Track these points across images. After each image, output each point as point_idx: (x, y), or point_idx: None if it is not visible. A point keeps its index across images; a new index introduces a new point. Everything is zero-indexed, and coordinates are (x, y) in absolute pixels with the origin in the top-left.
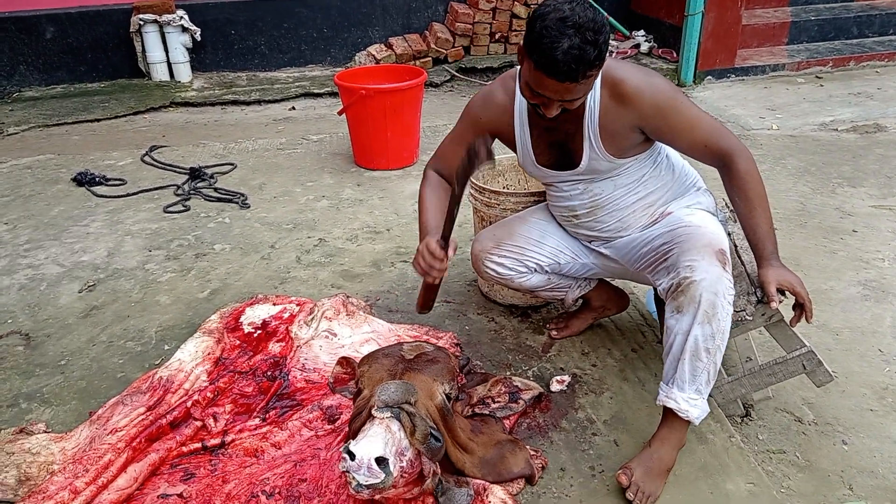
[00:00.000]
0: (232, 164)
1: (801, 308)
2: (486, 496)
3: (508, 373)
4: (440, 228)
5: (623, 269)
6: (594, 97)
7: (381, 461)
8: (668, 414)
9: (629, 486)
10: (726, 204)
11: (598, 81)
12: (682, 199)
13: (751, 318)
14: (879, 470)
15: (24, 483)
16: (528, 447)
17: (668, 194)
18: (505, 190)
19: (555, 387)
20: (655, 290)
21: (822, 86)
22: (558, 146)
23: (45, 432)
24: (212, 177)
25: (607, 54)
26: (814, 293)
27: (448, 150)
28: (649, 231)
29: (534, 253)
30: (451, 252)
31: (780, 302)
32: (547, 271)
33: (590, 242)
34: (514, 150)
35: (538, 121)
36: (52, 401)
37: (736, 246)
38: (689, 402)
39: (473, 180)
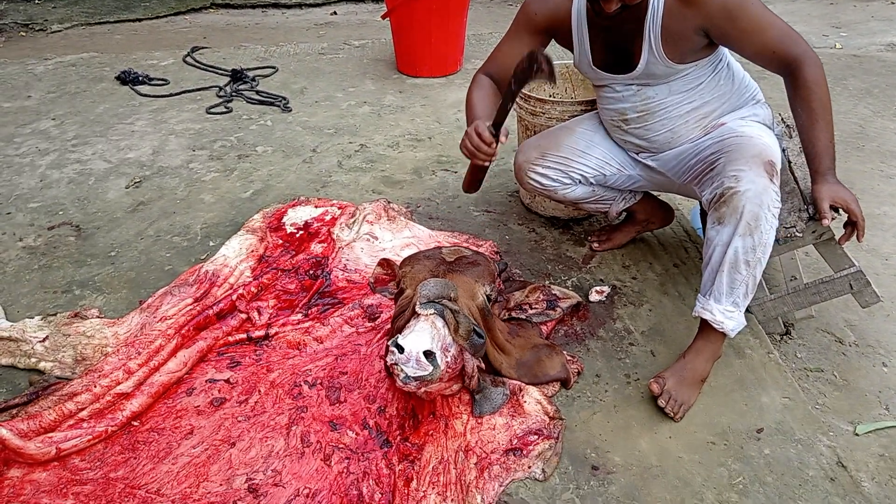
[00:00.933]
0: (273, 68)
1: (852, 226)
2: (522, 396)
3: (548, 282)
4: (491, 116)
5: (670, 183)
6: None
7: (429, 354)
8: (704, 326)
9: (661, 394)
10: (783, 119)
11: None
12: (739, 111)
13: (800, 235)
14: None
15: (80, 363)
16: (564, 352)
17: (724, 105)
18: (551, 98)
19: (594, 297)
20: (701, 204)
21: (893, 3)
22: (616, 47)
23: (99, 317)
24: (253, 79)
25: None
26: (867, 217)
27: (501, 53)
28: (700, 142)
29: (579, 164)
30: (502, 138)
31: (833, 219)
32: (592, 183)
33: (637, 154)
34: (571, 49)
35: (597, 20)
36: (103, 289)
37: (790, 162)
38: (725, 314)
39: None
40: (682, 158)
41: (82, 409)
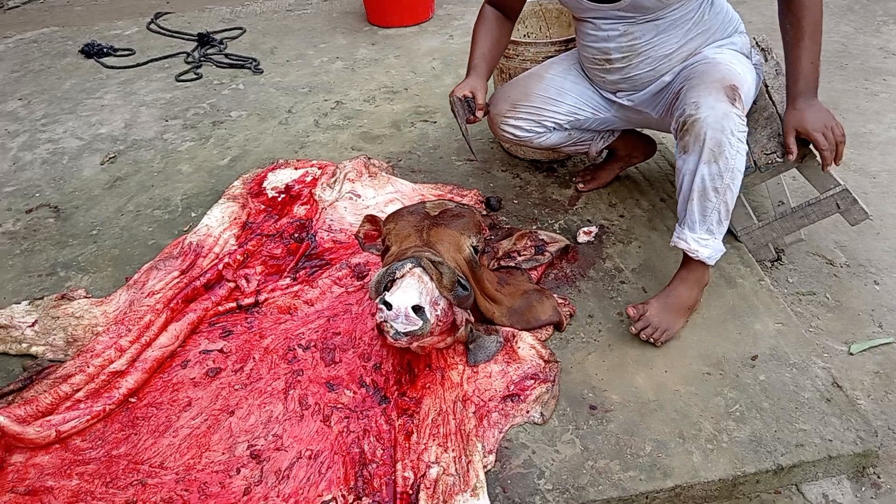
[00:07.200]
0: (241, 29)
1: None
2: (516, 342)
3: (535, 227)
4: (486, 64)
5: (647, 119)
6: None
7: (418, 309)
8: (686, 255)
9: (638, 320)
10: (757, 42)
11: None
12: (719, 41)
13: (781, 160)
14: None
15: (72, 344)
16: (555, 296)
17: (708, 40)
18: (525, 39)
19: (582, 238)
20: None
21: None
22: None
23: (86, 297)
24: (221, 42)
25: None
26: (852, 136)
27: None
28: (675, 74)
29: (551, 112)
30: (479, 114)
31: (799, 154)
32: (566, 128)
33: (615, 94)
34: None
35: None
36: (88, 268)
37: (767, 85)
38: (700, 242)
39: None
40: (658, 93)
41: (78, 390)
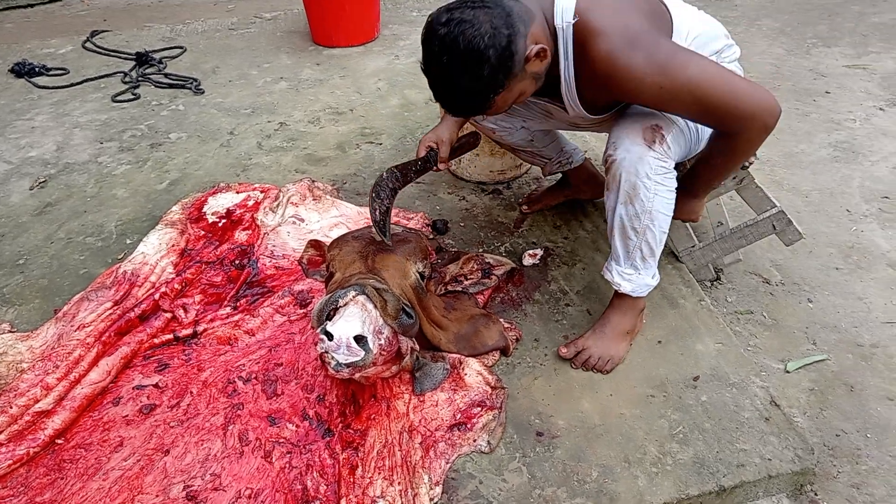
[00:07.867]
0: (181, 48)
1: None
2: (463, 369)
3: (481, 250)
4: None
5: None
6: (567, 65)
7: (360, 339)
8: None
9: (573, 357)
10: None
11: (569, 42)
12: None
13: (721, 183)
14: (842, 325)
15: None
16: (501, 320)
17: None
18: None
19: (527, 261)
20: None
21: None
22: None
23: (11, 332)
24: (160, 62)
25: None
26: (784, 157)
27: None
28: None
29: (524, 114)
30: (441, 166)
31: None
32: (531, 130)
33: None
34: None
35: None
36: (13, 301)
37: None
38: (623, 276)
39: None
40: None
41: None
